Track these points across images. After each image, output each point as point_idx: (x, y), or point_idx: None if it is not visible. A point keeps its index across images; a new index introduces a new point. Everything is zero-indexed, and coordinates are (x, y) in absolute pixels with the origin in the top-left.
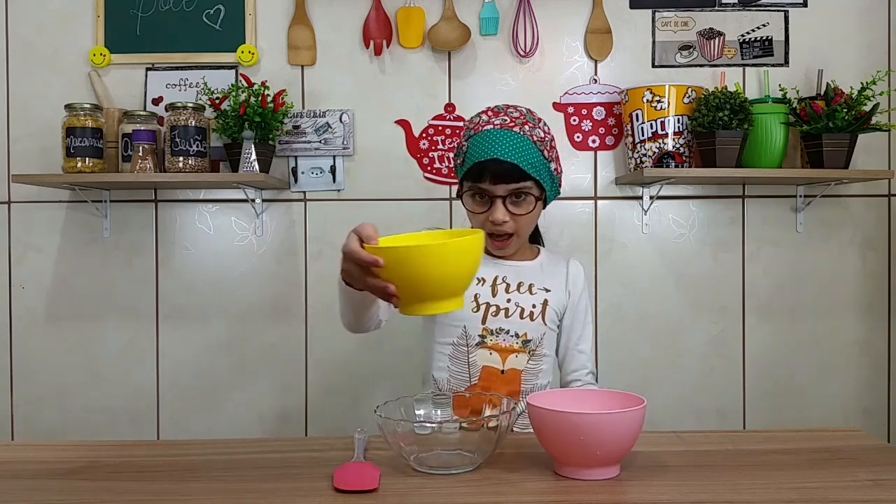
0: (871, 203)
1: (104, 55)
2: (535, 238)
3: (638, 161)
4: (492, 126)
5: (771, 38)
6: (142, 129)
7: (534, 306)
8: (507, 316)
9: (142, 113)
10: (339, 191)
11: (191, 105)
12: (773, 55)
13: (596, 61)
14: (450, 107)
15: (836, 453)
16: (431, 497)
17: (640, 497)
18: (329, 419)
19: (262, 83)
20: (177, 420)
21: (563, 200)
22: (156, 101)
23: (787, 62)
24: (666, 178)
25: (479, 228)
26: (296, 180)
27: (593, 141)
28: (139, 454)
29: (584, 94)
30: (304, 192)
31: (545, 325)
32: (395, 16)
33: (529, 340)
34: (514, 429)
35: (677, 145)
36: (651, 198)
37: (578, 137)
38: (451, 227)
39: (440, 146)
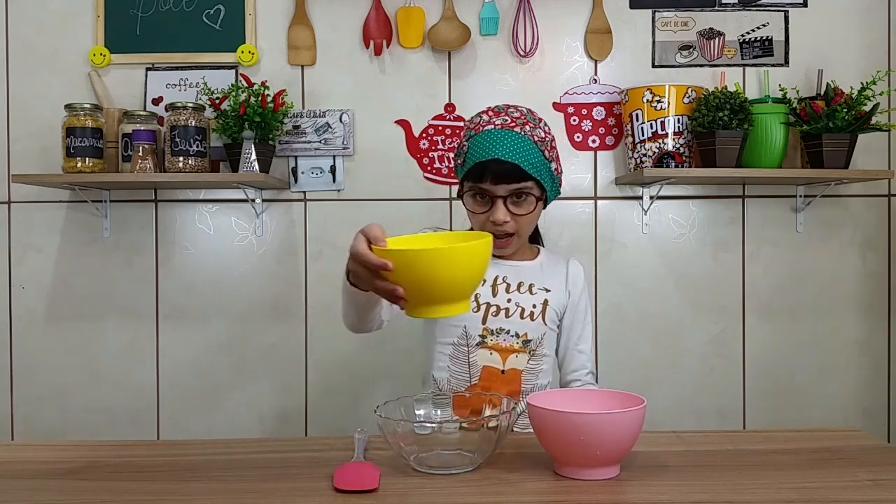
0: (871, 203)
1: (104, 55)
2: (535, 238)
3: (638, 161)
4: (492, 126)
5: (771, 38)
6: (142, 129)
7: (534, 306)
8: (507, 316)
9: (142, 113)
10: (339, 191)
11: (191, 105)
12: (773, 55)
13: (596, 61)
14: (450, 107)
15: (836, 453)
16: (431, 497)
17: (640, 497)
18: (329, 419)
19: (262, 83)
20: (177, 420)
21: (563, 200)
22: (156, 101)
23: (787, 62)
24: (666, 178)
25: (480, 229)
26: (296, 180)
27: (593, 141)
28: (139, 454)
29: (584, 94)
30: (304, 192)
31: (545, 325)
32: (395, 16)
33: (530, 340)
34: (515, 429)
35: (677, 145)
36: (651, 198)
37: (578, 137)
38: (451, 227)
39: (440, 146)
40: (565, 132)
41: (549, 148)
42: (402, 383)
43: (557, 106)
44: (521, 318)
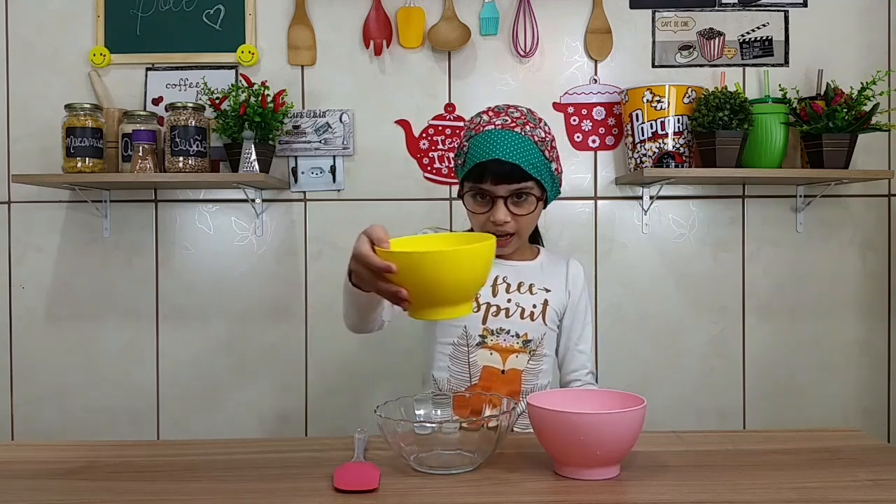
0: (871, 203)
1: (104, 55)
2: (535, 238)
3: (638, 161)
4: (493, 126)
5: (771, 38)
6: (142, 129)
7: (534, 306)
8: (507, 316)
9: (142, 113)
10: (339, 191)
11: (191, 105)
12: (773, 55)
13: (596, 61)
14: (450, 107)
15: (836, 453)
16: (431, 497)
17: (640, 497)
18: (329, 419)
19: (262, 83)
20: (177, 420)
21: (563, 200)
22: (156, 101)
23: (787, 62)
24: (666, 178)
25: (481, 229)
26: (296, 180)
27: (593, 141)
28: (139, 454)
29: (584, 94)
30: (304, 192)
31: (545, 325)
32: (395, 16)
33: (530, 340)
34: (515, 429)
35: (677, 145)
36: (651, 198)
37: (578, 137)
38: (451, 227)
39: (440, 146)
40: (565, 132)
41: (549, 148)
42: (402, 383)
43: (557, 106)
44: (522, 318)
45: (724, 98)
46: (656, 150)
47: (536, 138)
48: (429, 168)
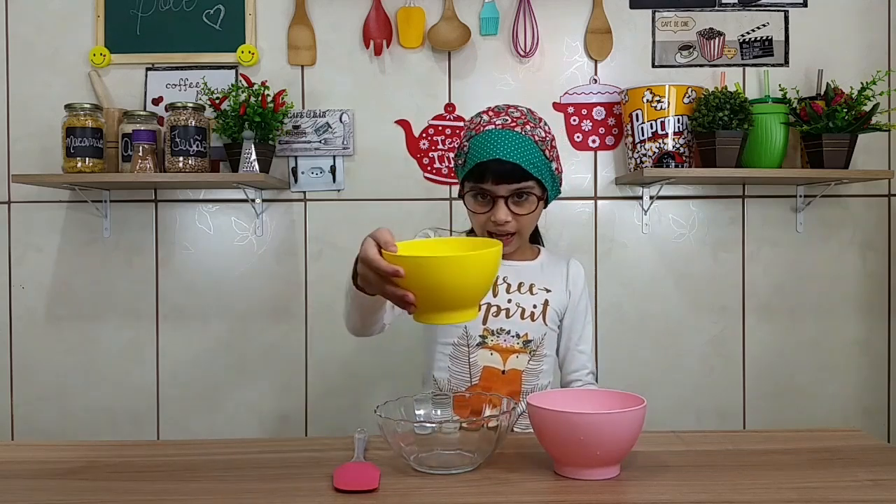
0: (871, 203)
1: (104, 55)
2: (535, 238)
3: (638, 161)
4: (493, 126)
5: (771, 38)
6: (142, 129)
7: (534, 306)
8: (507, 316)
9: (142, 113)
10: (339, 191)
11: (191, 105)
12: (773, 55)
13: (596, 61)
14: (450, 107)
15: (836, 453)
16: (431, 497)
17: (640, 497)
18: (329, 419)
19: (262, 83)
20: (177, 420)
21: (563, 200)
22: (156, 101)
23: (787, 62)
24: (666, 178)
25: (481, 229)
26: (296, 180)
27: (593, 141)
28: (139, 454)
29: (584, 94)
30: (304, 192)
31: (546, 325)
32: (395, 16)
33: (530, 341)
34: (516, 429)
35: (677, 145)
36: (651, 198)
37: (578, 137)
38: (451, 227)
39: (440, 146)
40: (565, 132)
41: (549, 147)
42: (402, 383)
43: (557, 106)
44: (522, 318)
45: (724, 98)
46: (656, 150)
47: (537, 138)
48: (429, 168)
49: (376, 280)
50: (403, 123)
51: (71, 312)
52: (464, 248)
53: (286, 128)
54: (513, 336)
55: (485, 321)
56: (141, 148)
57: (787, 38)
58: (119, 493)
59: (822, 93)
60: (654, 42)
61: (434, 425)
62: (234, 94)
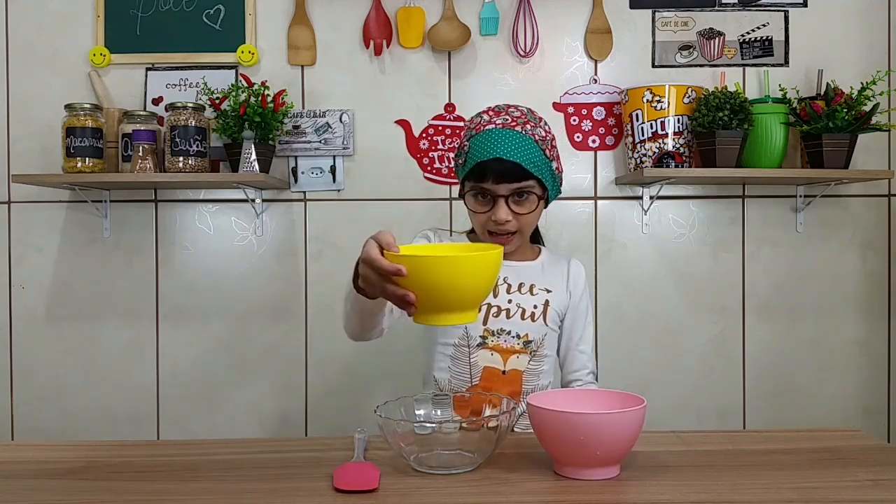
0: (871, 203)
1: (104, 55)
2: (536, 238)
3: (638, 161)
4: (493, 126)
5: (771, 38)
6: (142, 129)
7: (535, 307)
8: (508, 317)
9: (142, 113)
10: (339, 191)
11: (191, 105)
12: (773, 55)
13: (596, 61)
14: (450, 107)
15: (836, 453)
16: (431, 497)
17: (640, 497)
18: (329, 419)
19: (262, 83)
20: (177, 420)
21: (563, 200)
22: (156, 101)
23: (787, 62)
24: (666, 178)
25: (482, 229)
26: (296, 180)
27: (593, 141)
28: (139, 454)
29: (584, 94)
30: (304, 192)
31: (546, 325)
32: (395, 16)
33: (531, 341)
34: (516, 429)
35: (677, 145)
36: (651, 198)
37: (578, 137)
38: (451, 227)
39: (440, 146)
40: (565, 132)
41: (549, 147)
42: (402, 384)
43: (557, 106)
44: (522, 318)
45: (724, 98)
46: (656, 150)
47: (537, 137)
48: (429, 168)
49: (377, 280)
50: (403, 123)
51: (71, 312)
52: (465, 252)
53: (286, 128)
54: (513, 336)
55: (485, 322)
56: (141, 148)
57: (787, 38)
58: (119, 493)
59: (822, 93)
60: (654, 42)
61: (434, 425)
62: (234, 94)
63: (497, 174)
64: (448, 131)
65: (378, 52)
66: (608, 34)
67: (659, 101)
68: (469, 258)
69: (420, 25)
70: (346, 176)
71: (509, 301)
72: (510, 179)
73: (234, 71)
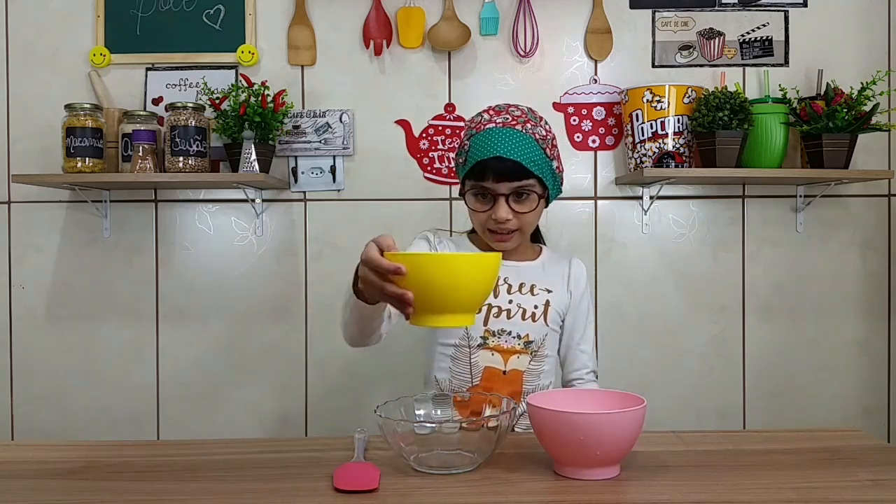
0: (871, 203)
1: (104, 55)
2: (537, 237)
3: (638, 161)
4: (493, 125)
5: (771, 38)
6: (142, 129)
7: (535, 307)
8: (508, 317)
9: (142, 113)
10: (339, 191)
11: (191, 105)
12: (773, 55)
13: (596, 61)
14: (450, 107)
15: (836, 453)
16: (431, 497)
17: (640, 497)
18: (329, 420)
19: (262, 83)
20: (177, 420)
21: (563, 200)
22: (156, 101)
23: (787, 62)
24: (666, 178)
25: (482, 228)
26: (296, 180)
27: (593, 141)
28: (139, 454)
29: (584, 94)
30: (304, 192)
31: (547, 325)
32: (395, 16)
33: (531, 341)
34: (516, 429)
35: (677, 145)
36: (651, 198)
37: (578, 137)
38: (451, 227)
39: (440, 146)
40: (565, 132)
41: (550, 146)
42: (402, 384)
43: (557, 106)
44: (523, 319)
45: (724, 98)
46: (656, 150)
47: (537, 136)
48: (429, 168)
49: (376, 280)
50: (403, 123)
51: (71, 312)
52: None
53: (286, 128)
54: (514, 337)
55: (486, 322)
56: (141, 148)
57: (787, 38)
58: (119, 493)
59: (822, 93)
60: (654, 42)
61: (434, 425)
62: (234, 94)
63: (497, 173)
64: (448, 131)
65: (378, 52)
66: (608, 34)
67: (659, 101)
68: (467, 257)
69: (420, 25)
70: (346, 176)
71: (510, 301)
72: (510, 178)
73: (234, 71)
